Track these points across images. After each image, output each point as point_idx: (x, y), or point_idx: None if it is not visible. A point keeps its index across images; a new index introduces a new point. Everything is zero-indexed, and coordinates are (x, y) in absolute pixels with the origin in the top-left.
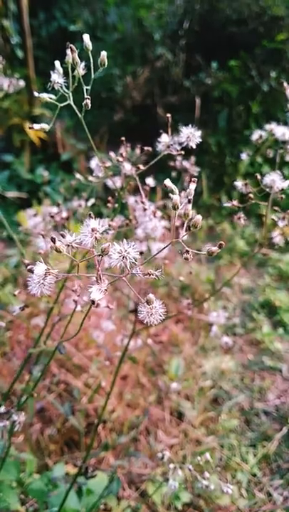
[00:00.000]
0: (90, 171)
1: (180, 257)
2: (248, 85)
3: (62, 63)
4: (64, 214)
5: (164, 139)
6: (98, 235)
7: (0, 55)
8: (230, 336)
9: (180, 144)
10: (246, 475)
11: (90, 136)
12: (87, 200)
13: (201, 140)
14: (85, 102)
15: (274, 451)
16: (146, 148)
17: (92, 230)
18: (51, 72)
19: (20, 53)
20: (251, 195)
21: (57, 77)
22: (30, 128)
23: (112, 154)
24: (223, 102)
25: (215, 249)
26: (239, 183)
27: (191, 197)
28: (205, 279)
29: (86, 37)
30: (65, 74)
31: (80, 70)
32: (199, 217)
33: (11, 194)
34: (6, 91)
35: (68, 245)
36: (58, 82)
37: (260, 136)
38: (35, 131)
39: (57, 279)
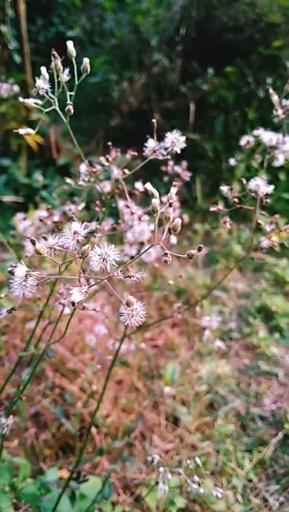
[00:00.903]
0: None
1: (176, 262)
2: (244, 91)
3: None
4: (56, 218)
5: (150, 143)
6: (80, 238)
7: None
8: (226, 340)
9: (165, 148)
10: (242, 480)
11: (76, 140)
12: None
13: (196, 144)
14: (67, 107)
15: (270, 456)
16: (132, 153)
17: (74, 233)
18: (36, 78)
19: (17, 58)
20: (236, 200)
21: (42, 83)
22: (15, 133)
23: (101, 159)
24: (220, 107)
25: (194, 252)
26: (224, 188)
27: (172, 201)
28: (201, 283)
29: (70, 44)
30: (52, 80)
31: (64, 76)
32: (179, 220)
33: (8, 198)
34: (1, 96)
35: (51, 248)
36: (42, 88)
37: (248, 142)
38: (32, 135)
39: (39, 281)
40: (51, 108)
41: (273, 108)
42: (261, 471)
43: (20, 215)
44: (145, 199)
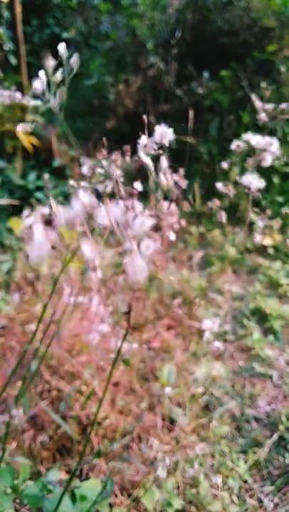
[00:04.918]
0: (83, 178)
1: (172, 264)
2: (238, 95)
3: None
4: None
5: (143, 140)
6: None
7: None
8: (221, 342)
9: (156, 143)
10: (237, 481)
11: (75, 142)
12: None
13: (191, 148)
14: (59, 93)
15: (265, 457)
16: (126, 146)
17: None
18: (32, 80)
19: (13, 60)
20: (231, 195)
21: (38, 85)
22: (12, 133)
23: (103, 161)
24: (215, 111)
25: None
26: (220, 184)
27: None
28: (196, 285)
29: (61, 46)
30: (48, 81)
31: (58, 77)
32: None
33: (3, 201)
34: (3, 102)
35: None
36: (38, 89)
37: (238, 146)
38: (27, 137)
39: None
40: (47, 105)
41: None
42: (256, 472)
43: (25, 212)
44: (143, 202)
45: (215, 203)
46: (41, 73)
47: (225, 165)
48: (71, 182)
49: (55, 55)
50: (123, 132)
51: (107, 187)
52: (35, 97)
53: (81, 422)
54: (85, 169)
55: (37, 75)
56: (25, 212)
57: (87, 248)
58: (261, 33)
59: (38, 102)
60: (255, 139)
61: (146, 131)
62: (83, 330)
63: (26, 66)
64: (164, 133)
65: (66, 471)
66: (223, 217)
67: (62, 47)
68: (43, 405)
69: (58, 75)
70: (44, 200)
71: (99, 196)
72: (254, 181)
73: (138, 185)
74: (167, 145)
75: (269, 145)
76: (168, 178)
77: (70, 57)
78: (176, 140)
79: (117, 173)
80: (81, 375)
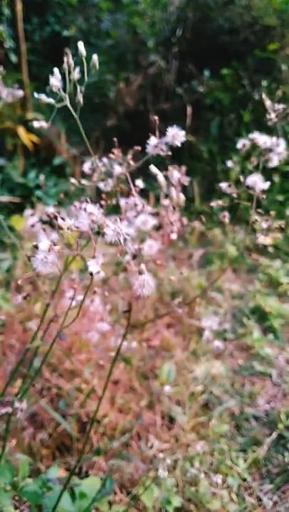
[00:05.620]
0: (83, 175)
1: (172, 262)
2: (239, 94)
3: (55, 67)
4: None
5: (152, 140)
6: (95, 218)
7: None
8: (220, 341)
9: (166, 143)
10: (237, 480)
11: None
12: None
13: (192, 146)
14: (77, 99)
15: (264, 456)
16: (136, 148)
17: (90, 214)
18: (49, 76)
19: (14, 58)
20: (234, 195)
21: (55, 81)
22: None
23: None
24: (215, 109)
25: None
26: (224, 184)
27: (176, 185)
28: (196, 284)
29: (80, 44)
30: (62, 78)
31: (76, 74)
32: (182, 196)
33: (3, 198)
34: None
35: (68, 228)
36: (55, 86)
37: (244, 145)
38: (28, 134)
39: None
40: (63, 103)
41: (268, 111)
42: (255, 471)
43: (28, 211)
44: (143, 198)
45: (217, 203)
46: (57, 71)
47: (230, 164)
48: (72, 180)
49: (56, 53)
50: (123, 130)
51: (108, 184)
52: (46, 93)
53: (81, 419)
54: (86, 168)
55: (38, 73)
56: (28, 211)
57: (94, 265)
58: (262, 31)
59: (51, 100)
60: (262, 139)
61: (156, 132)
62: (83, 328)
63: (27, 64)
64: (176, 134)
65: (65, 468)
66: (226, 217)
67: (81, 46)
68: (43, 403)
69: (76, 74)
70: (44, 199)
71: (100, 194)
72: (259, 182)
73: (140, 183)
74: (176, 153)
75: (276, 145)
76: (179, 194)
77: (72, 55)
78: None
79: (120, 171)
80: (81, 373)
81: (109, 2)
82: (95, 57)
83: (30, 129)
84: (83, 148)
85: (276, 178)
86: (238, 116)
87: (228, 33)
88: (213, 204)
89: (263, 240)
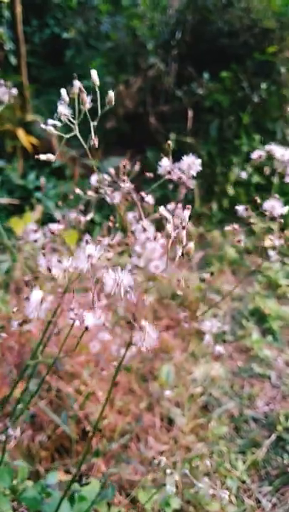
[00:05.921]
0: (82, 177)
1: (172, 265)
2: (239, 96)
3: (55, 67)
4: (61, 226)
5: (165, 163)
6: (94, 261)
7: None
8: (220, 343)
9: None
10: (236, 481)
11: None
12: (84, 211)
13: (191, 148)
14: (92, 142)
15: (263, 457)
16: (137, 163)
17: (88, 256)
18: (58, 103)
19: (13, 60)
20: (252, 221)
21: (63, 109)
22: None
23: (111, 170)
24: (215, 112)
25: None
26: (240, 208)
27: (185, 223)
28: (195, 286)
29: (94, 73)
30: (70, 103)
31: (87, 105)
32: (191, 244)
33: (3, 200)
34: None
35: (65, 270)
36: (64, 114)
37: (260, 156)
38: (27, 136)
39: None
40: (72, 134)
41: (267, 113)
42: (254, 473)
43: (31, 226)
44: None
45: (233, 228)
46: (65, 96)
47: (244, 175)
48: (77, 191)
49: (55, 54)
50: (123, 133)
51: (115, 198)
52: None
53: (80, 421)
54: (93, 180)
55: (37, 75)
56: (31, 226)
57: (90, 318)
58: (261, 34)
59: (58, 123)
60: (278, 151)
61: (170, 157)
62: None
63: (26, 66)
64: (192, 164)
65: (65, 470)
66: (242, 241)
67: (94, 74)
68: (42, 405)
69: (87, 104)
70: (44, 200)
71: (107, 206)
72: (277, 207)
73: (149, 199)
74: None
75: None
76: (184, 239)
77: (72, 57)
78: (175, 140)
79: (127, 185)
80: (80, 375)
81: (109, 4)
82: (111, 93)
83: (29, 131)
84: (83, 150)
85: (275, 180)
86: (237, 118)
87: (228, 35)
88: (228, 229)
89: (267, 243)
